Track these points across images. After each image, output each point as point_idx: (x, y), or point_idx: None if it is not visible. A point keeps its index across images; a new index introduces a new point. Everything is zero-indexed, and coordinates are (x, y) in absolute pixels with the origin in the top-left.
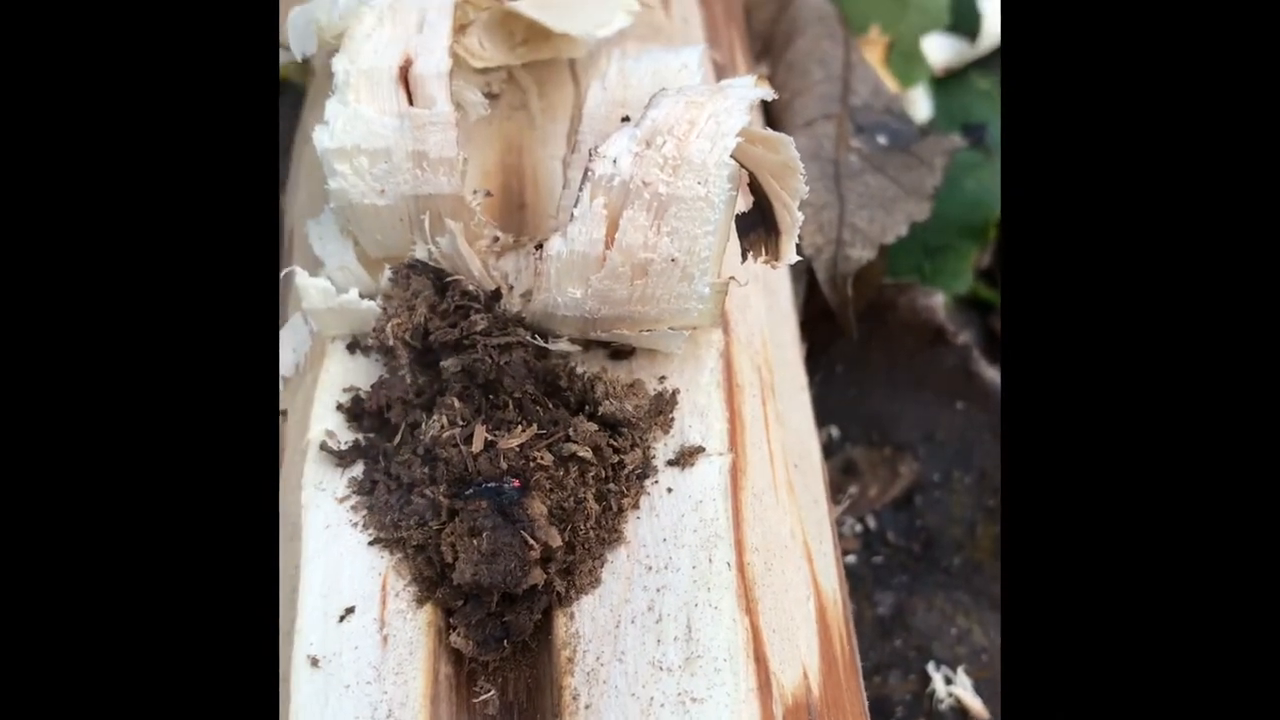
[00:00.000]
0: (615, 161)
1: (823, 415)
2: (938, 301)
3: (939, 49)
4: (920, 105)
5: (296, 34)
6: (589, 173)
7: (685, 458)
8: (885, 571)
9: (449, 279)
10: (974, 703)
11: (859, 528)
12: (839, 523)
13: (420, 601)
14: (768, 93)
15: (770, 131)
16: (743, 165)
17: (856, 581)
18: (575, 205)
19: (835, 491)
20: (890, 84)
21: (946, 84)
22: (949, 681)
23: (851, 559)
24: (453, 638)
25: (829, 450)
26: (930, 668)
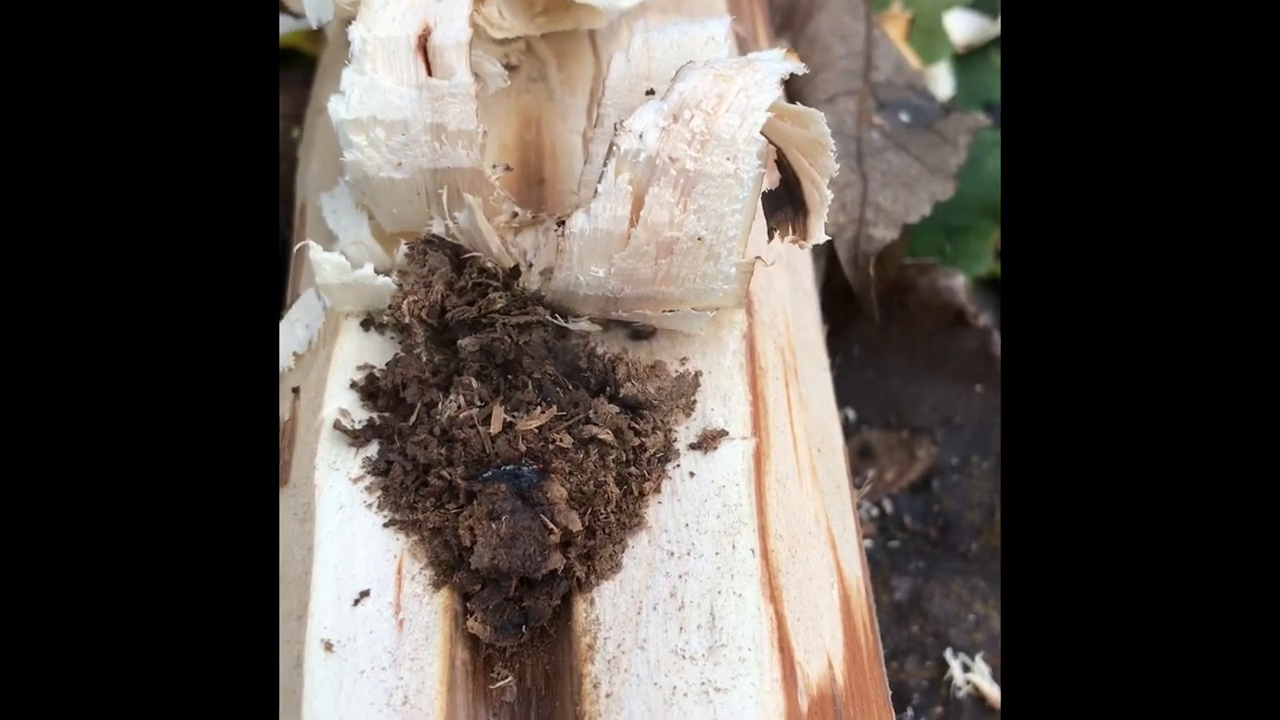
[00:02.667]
0: (641, 136)
1: (840, 397)
2: (958, 282)
3: (961, 25)
4: (942, 82)
5: (312, 0)
6: (614, 147)
7: (708, 441)
8: (902, 557)
9: (466, 255)
10: (991, 690)
11: (875, 512)
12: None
13: (437, 585)
14: (798, 66)
15: (800, 107)
16: (771, 141)
17: (873, 567)
18: (599, 181)
19: (852, 475)
20: (912, 60)
21: (968, 61)
22: (966, 668)
23: (868, 544)
24: (470, 623)
25: (845, 433)
26: (947, 654)
